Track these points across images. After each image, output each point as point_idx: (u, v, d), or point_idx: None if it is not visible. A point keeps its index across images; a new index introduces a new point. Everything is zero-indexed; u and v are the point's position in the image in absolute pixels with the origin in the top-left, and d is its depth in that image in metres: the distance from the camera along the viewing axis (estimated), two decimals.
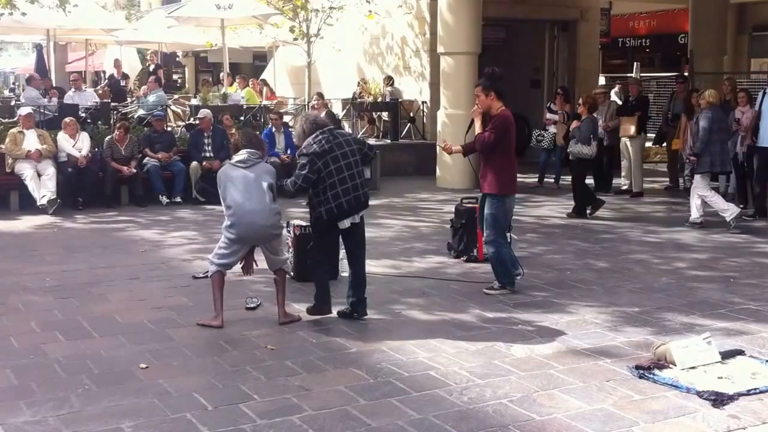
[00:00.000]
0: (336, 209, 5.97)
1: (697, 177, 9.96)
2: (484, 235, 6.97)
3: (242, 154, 6.04)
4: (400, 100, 15.87)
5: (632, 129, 12.35)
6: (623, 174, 12.83)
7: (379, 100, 16.11)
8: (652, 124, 14.85)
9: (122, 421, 4.32)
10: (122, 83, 18.64)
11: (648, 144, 13.33)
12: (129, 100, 17.18)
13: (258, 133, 6.40)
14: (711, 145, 9.77)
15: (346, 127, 16.37)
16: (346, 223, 6.08)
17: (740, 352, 5.31)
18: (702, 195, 9.90)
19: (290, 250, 7.28)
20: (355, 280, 6.22)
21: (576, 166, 10.79)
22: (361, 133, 16.34)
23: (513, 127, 6.80)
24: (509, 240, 7.36)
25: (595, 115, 10.75)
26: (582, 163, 10.76)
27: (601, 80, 19.67)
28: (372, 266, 7.85)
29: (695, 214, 9.96)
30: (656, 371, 4.97)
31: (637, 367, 5.03)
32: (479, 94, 6.79)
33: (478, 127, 6.84)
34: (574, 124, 10.74)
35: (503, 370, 5.06)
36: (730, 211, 9.76)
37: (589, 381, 4.89)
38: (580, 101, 10.74)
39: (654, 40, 24.72)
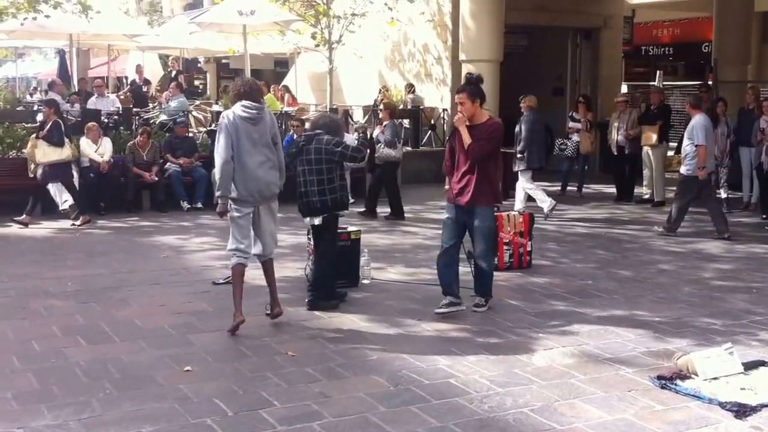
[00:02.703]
0: (298, 202, 6.74)
1: (525, 173, 10.96)
2: (479, 249, 6.46)
3: (251, 109, 5.86)
4: (421, 107, 15.87)
5: (654, 137, 12.29)
6: (645, 183, 12.75)
7: (401, 107, 16.11)
8: (674, 132, 14.73)
9: (143, 425, 4.33)
10: (144, 89, 18.79)
11: (670, 153, 13.24)
12: (151, 105, 17.31)
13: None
14: (533, 144, 10.81)
15: (367, 134, 16.39)
16: (305, 220, 6.83)
17: (763, 363, 5.25)
18: (527, 188, 10.89)
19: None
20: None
21: (385, 169, 11.14)
22: None
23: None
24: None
25: (396, 120, 11.17)
26: (392, 166, 11.19)
27: (624, 88, 19.57)
28: (392, 274, 7.88)
29: (519, 206, 10.63)
30: (678, 381, 4.92)
31: (659, 377, 4.99)
32: (464, 101, 6.31)
33: (466, 137, 6.32)
34: (377, 129, 11.16)
35: (524, 379, 5.04)
36: (547, 203, 10.85)
37: (610, 391, 4.85)
38: (381, 107, 11.02)
39: (677, 49, 24.54)
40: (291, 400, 4.69)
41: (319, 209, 6.56)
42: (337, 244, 6.86)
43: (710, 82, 15.17)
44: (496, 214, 8.13)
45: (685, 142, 9.98)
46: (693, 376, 4.97)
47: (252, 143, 5.88)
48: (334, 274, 6.81)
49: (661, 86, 18.89)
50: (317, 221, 6.64)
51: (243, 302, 6.01)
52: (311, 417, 4.46)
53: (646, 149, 12.49)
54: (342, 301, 6.71)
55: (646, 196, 12.67)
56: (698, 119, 9.88)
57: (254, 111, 5.89)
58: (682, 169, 9.96)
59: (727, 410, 4.53)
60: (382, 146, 10.92)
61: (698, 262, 8.55)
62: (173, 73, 19.84)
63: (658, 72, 21.98)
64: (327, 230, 6.73)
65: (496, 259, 7.94)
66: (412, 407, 4.60)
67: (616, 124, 12.79)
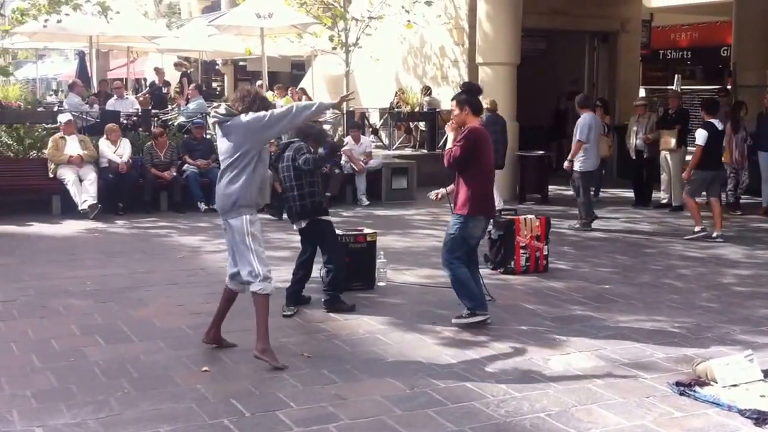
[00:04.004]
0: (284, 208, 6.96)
1: None
2: (442, 257, 6.39)
3: (219, 115, 5.43)
4: (437, 110, 15.86)
5: (672, 142, 12.22)
6: (663, 187, 12.67)
7: (417, 110, 16.11)
8: (692, 137, 14.64)
9: (160, 425, 4.36)
10: (164, 90, 18.90)
11: (688, 157, 13.15)
12: (170, 107, 17.41)
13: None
14: None
15: (383, 137, 16.42)
16: (294, 227, 6.81)
17: None
18: None
19: None
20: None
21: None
22: (398, 143, 16.39)
23: (485, 142, 6.29)
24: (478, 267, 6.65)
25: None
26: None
27: (641, 92, 19.47)
28: (408, 276, 7.88)
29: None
30: (697, 388, 4.89)
31: (678, 384, 4.96)
32: (455, 108, 6.36)
33: (449, 143, 6.37)
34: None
35: (541, 384, 5.02)
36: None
37: (628, 397, 4.82)
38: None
39: (695, 53, 24.43)
40: (307, 401, 4.70)
41: (300, 213, 6.62)
42: (337, 246, 6.82)
43: (729, 87, 15.06)
44: (512, 218, 8.16)
45: (574, 139, 10.65)
46: (712, 382, 4.93)
47: (219, 151, 5.55)
48: (344, 278, 6.78)
49: (679, 90, 18.79)
50: (303, 224, 6.67)
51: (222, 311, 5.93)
52: (327, 419, 4.47)
53: (664, 154, 12.42)
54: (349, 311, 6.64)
55: (664, 201, 12.60)
56: (585, 117, 10.49)
57: (220, 116, 5.42)
58: (576, 167, 10.58)
59: (746, 417, 4.50)
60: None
61: (717, 268, 8.48)
62: (179, 75, 19.92)
63: (676, 76, 21.87)
64: (323, 236, 6.69)
65: (512, 262, 7.97)
66: (429, 410, 4.59)
67: (634, 128, 12.73)
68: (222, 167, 5.46)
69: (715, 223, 9.93)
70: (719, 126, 10.12)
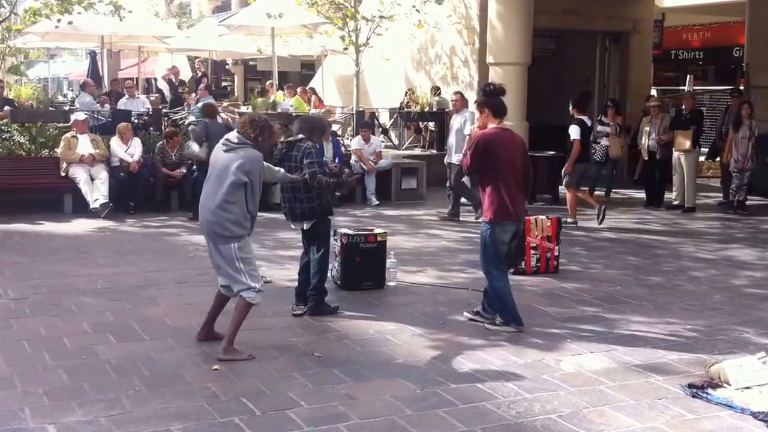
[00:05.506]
0: (282, 208, 6.71)
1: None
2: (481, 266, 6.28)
3: (227, 138, 5.50)
4: (446, 110, 15.83)
5: (687, 143, 12.15)
6: (674, 188, 12.62)
7: (427, 110, 16.09)
8: (705, 138, 14.58)
9: (172, 423, 4.36)
10: (179, 89, 18.97)
11: (701, 159, 13.11)
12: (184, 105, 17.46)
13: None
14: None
15: (393, 137, 16.41)
16: (291, 226, 6.71)
17: None
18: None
19: (337, 258, 7.30)
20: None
21: (191, 167, 11.48)
22: (407, 143, 16.38)
23: (497, 146, 5.98)
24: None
25: (208, 120, 11.16)
26: (197, 164, 11.12)
27: (653, 93, 19.39)
28: (418, 276, 7.86)
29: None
30: (710, 390, 4.86)
31: (690, 386, 4.93)
32: (477, 111, 6.23)
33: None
34: (190, 127, 11.86)
35: (552, 385, 5.00)
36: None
37: (640, 398, 4.80)
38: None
39: (708, 53, 24.29)
40: (318, 401, 4.70)
41: (307, 215, 6.44)
42: (329, 248, 6.74)
43: (741, 87, 14.98)
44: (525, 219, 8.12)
45: (453, 137, 11.13)
46: (725, 385, 4.90)
47: (212, 169, 5.49)
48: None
49: (692, 91, 18.71)
50: (306, 226, 6.49)
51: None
52: (337, 418, 4.46)
53: (677, 155, 12.36)
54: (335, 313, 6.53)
55: (676, 202, 12.54)
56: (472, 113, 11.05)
57: (229, 141, 5.47)
58: (454, 159, 10.84)
59: (759, 420, 4.47)
60: (191, 142, 11.19)
61: (730, 270, 8.44)
62: (198, 74, 20.00)
63: (688, 76, 21.75)
64: (322, 236, 6.57)
65: (523, 263, 7.93)
66: (439, 411, 4.58)
67: (647, 129, 12.69)
68: (212, 179, 5.39)
69: (572, 210, 10.83)
70: (588, 122, 11.06)
